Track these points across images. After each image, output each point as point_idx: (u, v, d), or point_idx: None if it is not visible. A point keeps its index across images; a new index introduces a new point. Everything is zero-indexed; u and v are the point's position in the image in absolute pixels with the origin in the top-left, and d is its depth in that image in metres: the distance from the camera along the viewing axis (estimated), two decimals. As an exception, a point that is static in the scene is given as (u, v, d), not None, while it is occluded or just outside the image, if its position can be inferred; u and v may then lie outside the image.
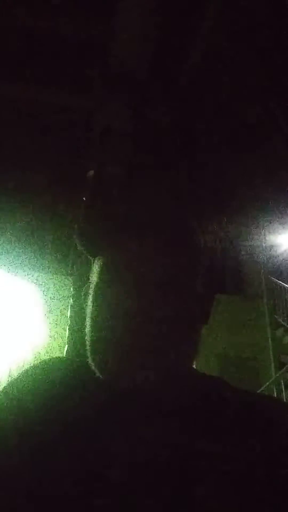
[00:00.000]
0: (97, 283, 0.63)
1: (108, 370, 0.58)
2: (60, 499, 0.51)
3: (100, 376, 0.59)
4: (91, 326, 0.62)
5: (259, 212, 4.83)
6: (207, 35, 2.72)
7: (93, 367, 0.60)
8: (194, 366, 0.67)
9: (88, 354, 0.61)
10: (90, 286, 0.65)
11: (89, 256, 0.68)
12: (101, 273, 0.63)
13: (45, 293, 7.49)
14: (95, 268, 0.65)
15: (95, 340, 0.61)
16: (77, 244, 0.68)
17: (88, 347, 0.61)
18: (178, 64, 2.93)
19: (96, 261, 0.66)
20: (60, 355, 3.33)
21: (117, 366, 0.57)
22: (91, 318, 0.62)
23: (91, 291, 0.64)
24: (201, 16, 2.63)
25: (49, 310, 7.27)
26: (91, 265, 0.67)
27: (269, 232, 7.55)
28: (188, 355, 0.63)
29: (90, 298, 0.64)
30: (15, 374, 0.68)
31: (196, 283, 0.64)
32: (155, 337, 0.57)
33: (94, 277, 0.65)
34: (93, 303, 0.63)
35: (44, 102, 3.26)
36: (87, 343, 0.62)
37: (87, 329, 0.62)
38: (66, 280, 6.81)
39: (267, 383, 7.38)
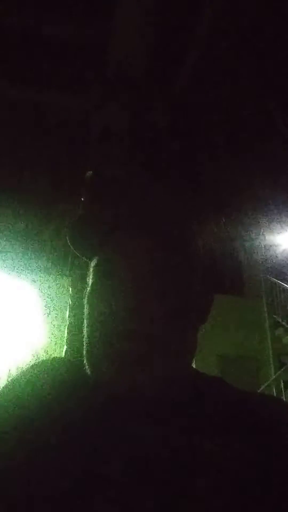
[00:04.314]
0: (92, 284, 0.63)
1: (106, 372, 0.58)
2: (60, 499, 0.51)
3: (96, 378, 0.59)
4: (88, 327, 0.62)
5: (259, 212, 4.83)
6: (206, 36, 2.72)
7: (88, 370, 0.60)
8: (193, 365, 0.67)
9: (84, 356, 0.61)
10: (86, 287, 0.65)
11: (83, 258, 0.68)
12: (96, 274, 0.63)
13: (44, 293, 7.48)
14: (90, 268, 0.65)
15: (92, 342, 0.61)
16: (69, 244, 0.68)
17: (84, 349, 0.61)
18: (177, 65, 2.93)
19: (92, 262, 0.66)
20: (59, 355, 3.33)
21: (116, 367, 0.57)
22: (88, 319, 0.62)
23: (87, 293, 0.64)
24: (200, 17, 2.63)
25: (48, 310, 7.26)
26: (89, 265, 0.67)
27: (269, 232, 7.55)
28: (187, 355, 0.63)
29: (86, 299, 0.64)
30: (14, 374, 0.68)
31: (194, 283, 0.64)
32: (153, 337, 0.57)
33: (89, 279, 0.65)
34: (89, 305, 0.63)
35: (42, 103, 3.26)
36: (84, 345, 0.62)
37: (84, 331, 0.62)
38: (65, 280, 6.81)
39: (267, 383, 7.38)
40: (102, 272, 0.62)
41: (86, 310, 0.63)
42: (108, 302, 0.60)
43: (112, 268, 0.61)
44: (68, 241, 0.68)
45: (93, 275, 0.64)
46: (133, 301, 0.58)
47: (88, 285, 0.65)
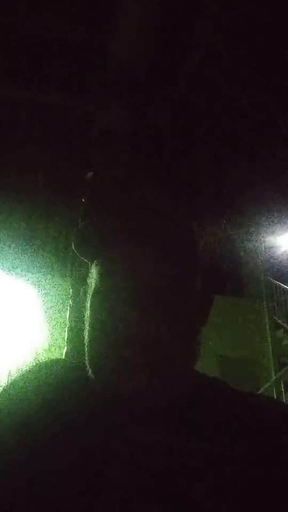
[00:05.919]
0: (95, 288, 0.63)
1: (108, 375, 0.58)
2: (60, 499, 0.51)
3: (98, 381, 0.59)
4: (90, 331, 0.61)
5: (259, 213, 4.84)
6: (207, 36, 2.72)
7: (90, 373, 0.60)
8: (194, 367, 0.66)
9: (87, 359, 0.61)
10: (89, 290, 0.64)
11: (87, 261, 0.68)
12: (99, 279, 0.63)
13: (44, 294, 7.49)
14: (93, 272, 0.65)
15: (94, 346, 0.60)
16: (74, 249, 0.68)
17: (86, 352, 0.61)
18: (178, 65, 2.93)
19: (94, 265, 0.65)
20: (59, 356, 3.33)
21: (118, 372, 0.57)
22: (90, 322, 0.62)
23: (89, 297, 0.64)
24: (200, 17, 2.63)
25: (48, 311, 7.27)
26: (89, 267, 0.67)
27: (269, 233, 7.58)
28: (189, 358, 0.63)
29: (89, 304, 0.63)
30: (14, 375, 0.68)
31: (195, 285, 0.63)
32: (156, 342, 0.57)
33: (92, 282, 0.64)
34: (91, 308, 0.62)
35: (43, 103, 3.26)
36: (86, 348, 0.61)
37: (86, 333, 0.62)
38: (65, 281, 6.82)
39: (267, 385, 7.39)
40: (104, 275, 0.62)
41: (88, 313, 0.63)
42: (110, 305, 0.59)
43: (114, 272, 0.61)
44: (74, 248, 0.67)
45: (95, 278, 0.64)
46: (135, 305, 0.58)
47: (90, 287, 0.65)
